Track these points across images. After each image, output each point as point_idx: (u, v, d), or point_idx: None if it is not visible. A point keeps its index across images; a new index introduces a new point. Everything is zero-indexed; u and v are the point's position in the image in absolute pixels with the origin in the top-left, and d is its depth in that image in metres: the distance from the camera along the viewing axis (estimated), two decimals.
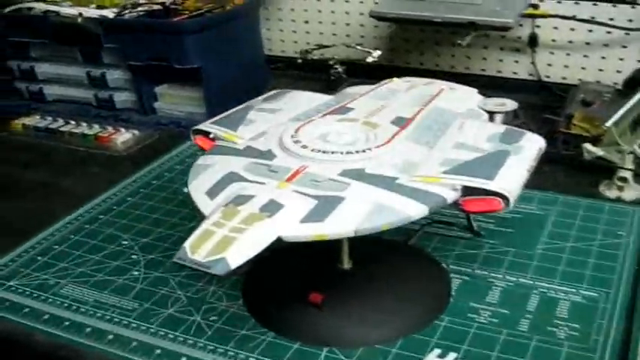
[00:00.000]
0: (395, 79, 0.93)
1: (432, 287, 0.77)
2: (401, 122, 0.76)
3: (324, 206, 0.61)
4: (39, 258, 0.86)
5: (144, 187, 1.03)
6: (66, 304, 0.77)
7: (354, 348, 0.68)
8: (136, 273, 0.82)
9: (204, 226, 0.60)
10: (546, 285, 0.76)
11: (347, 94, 0.89)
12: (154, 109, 1.31)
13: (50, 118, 1.29)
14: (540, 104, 1.20)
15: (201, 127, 0.79)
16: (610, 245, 0.82)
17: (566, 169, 0.99)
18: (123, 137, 1.19)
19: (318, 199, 0.62)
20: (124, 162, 1.14)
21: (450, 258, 0.81)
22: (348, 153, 0.69)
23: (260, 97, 0.88)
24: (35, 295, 0.79)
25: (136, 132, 1.21)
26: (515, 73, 1.37)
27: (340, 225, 0.60)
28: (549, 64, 1.33)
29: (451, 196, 0.64)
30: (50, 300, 0.78)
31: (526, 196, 0.93)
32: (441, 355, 0.66)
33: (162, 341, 0.71)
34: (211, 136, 0.78)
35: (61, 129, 1.24)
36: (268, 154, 0.71)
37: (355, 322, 0.71)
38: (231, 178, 0.67)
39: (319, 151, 0.69)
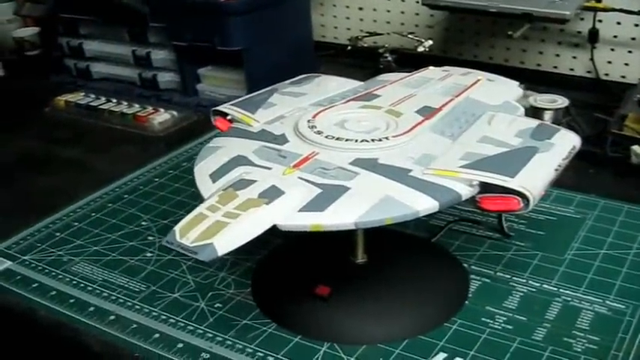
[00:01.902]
0: (431, 67, 0.89)
1: (447, 288, 0.73)
2: (427, 112, 0.72)
3: (327, 196, 0.58)
4: (57, 234, 0.86)
5: (173, 169, 1.01)
6: (74, 282, 0.76)
7: (356, 345, 0.65)
8: (149, 255, 0.80)
9: (198, 209, 0.58)
10: (571, 293, 0.71)
11: (378, 80, 0.86)
12: (197, 91, 1.29)
13: (93, 96, 1.28)
14: (596, 103, 1.13)
15: (221, 108, 0.77)
16: None
17: (613, 172, 0.93)
18: (161, 117, 1.18)
19: (322, 187, 0.59)
20: (158, 142, 1.13)
21: (472, 258, 0.77)
22: (362, 141, 0.66)
23: (288, 81, 0.85)
24: (47, 270, 0.79)
25: (175, 113, 1.20)
26: (572, 69, 1.30)
27: (340, 216, 0.57)
28: (609, 62, 1.25)
29: (467, 192, 0.60)
30: (60, 276, 0.77)
31: (565, 197, 0.88)
32: None
33: (162, 325, 0.69)
34: (229, 117, 0.76)
35: (101, 107, 1.23)
36: (281, 139, 0.68)
37: (360, 319, 0.68)
38: (238, 161, 0.65)
39: (333, 137, 0.66)
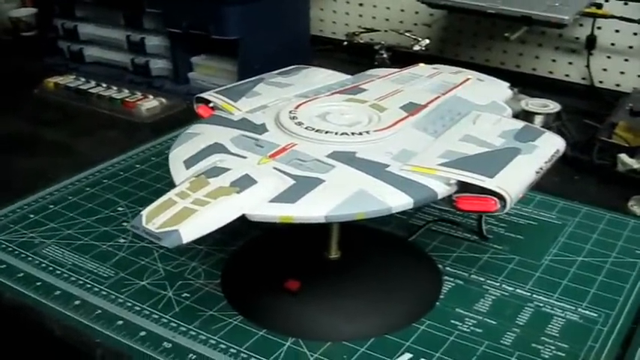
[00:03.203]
0: (421, 64, 0.87)
1: (419, 288, 0.72)
2: (411, 108, 0.71)
3: (300, 187, 0.57)
4: (31, 216, 0.84)
5: (156, 156, 0.99)
6: (43, 265, 0.75)
7: (320, 341, 0.63)
8: (122, 241, 0.79)
9: (168, 195, 0.57)
10: (544, 299, 0.69)
11: (366, 75, 0.85)
12: (188, 79, 1.27)
13: (83, 79, 1.27)
14: (588, 110, 1.12)
15: (204, 95, 0.76)
16: (624, 264, 0.75)
17: (598, 180, 0.92)
18: (149, 104, 1.16)
19: (296, 179, 0.58)
20: (144, 129, 1.11)
21: (448, 259, 0.76)
22: (342, 134, 0.64)
23: (276, 71, 0.84)
24: (16, 252, 0.77)
25: (164, 100, 1.19)
26: (567, 75, 1.28)
27: (310, 209, 0.55)
28: (604, 69, 1.24)
29: (443, 190, 0.58)
30: (29, 259, 0.76)
31: (548, 202, 0.86)
32: None
33: (126, 313, 0.67)
34: (211, 105, 0.75)
35: (91, 90, 1.22)
36: (261, 128, 0.67)
37: (327, 315, 0.66)
38: (215, 149, 0.64)
39: (312, 129, 0.65)
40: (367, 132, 0.65)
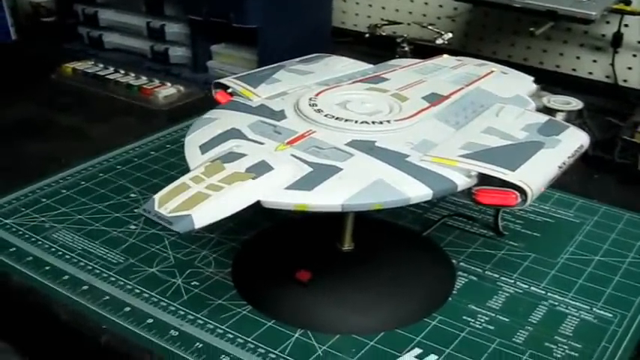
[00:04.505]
0: (445, 55, 0.86)
1: (432, 282, 0.70)
2: (434, 99, 0.69)
3: (317, 175, 0.55)
4: (43, 200, 0.83)
5: (171, 143, 0.98)
6: (53, 249, 0.74)
7: (329, 334, 0.62)
8: (133, 227, 0.78)
9: (182, 179, 0.55)
10: (558, 297, 0.68)
11: (389, 65, 0.83)
12: (207, 68, 1.26)
13: (101, 65, 1.26)
14: (611, 109, 1.10)
15: (223, 80, 0.75)
16: None
17: (619, 179, 0.90)
18: (167, 92, 1.15)
19: (313, 166, 0.56)
20: (161, 116, 1.10)
21: (462, 254, 0.74)
22: (362, 123, 0.63)
23: (297, 59, 0.83)
24: (27, 235, 0.76)
25: (182, 88, 1.18)
26: (590, 73, 1.26)
27: (327, 197, 0.54)
28: (629, 68, 1.21)
29: (463, 182, 0.56)
30: (39, 243, 0.75)
31: (566, 200, 0.85)
32: (419, 356, 0.59)
33: (134, 299, 0.66)
34: (230, 90, 0.73)
35: (108, 77, 1.21)
36: (279, 115, 0.66)
37: (338, 308, 0.65)
38: (231, 134, 0.62)
39: (332, 117, 0.63)
40: (388, 121, 0.63)
